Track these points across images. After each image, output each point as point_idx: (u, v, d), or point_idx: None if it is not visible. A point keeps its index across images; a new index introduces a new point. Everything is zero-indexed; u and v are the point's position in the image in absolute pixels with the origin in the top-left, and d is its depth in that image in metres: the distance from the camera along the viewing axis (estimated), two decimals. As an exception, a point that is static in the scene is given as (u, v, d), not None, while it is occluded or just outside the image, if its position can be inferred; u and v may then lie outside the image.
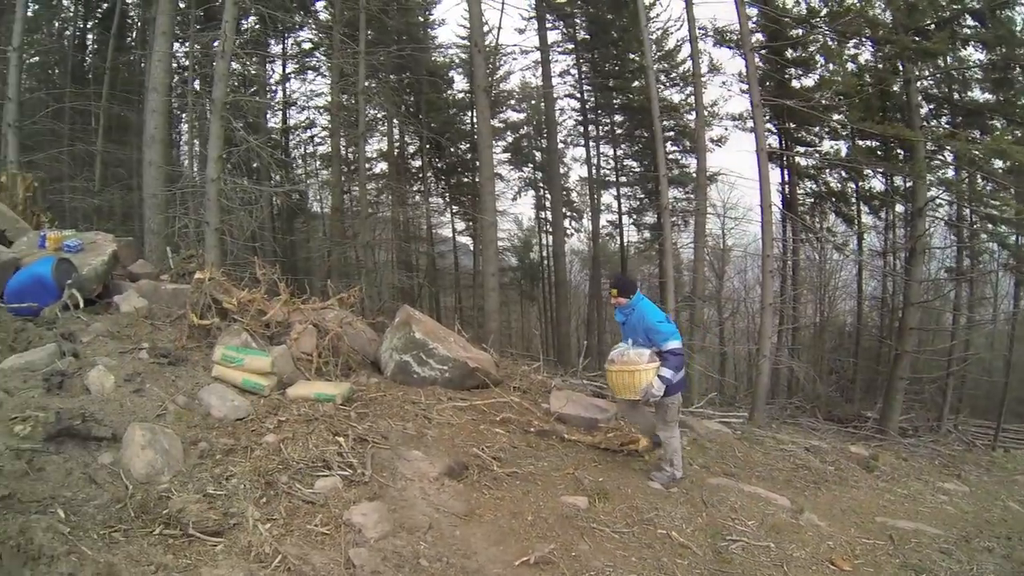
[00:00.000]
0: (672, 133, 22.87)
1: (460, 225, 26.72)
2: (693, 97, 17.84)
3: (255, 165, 15.04)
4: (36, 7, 19.65)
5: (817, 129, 20.29)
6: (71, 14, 22.27)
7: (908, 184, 17.33)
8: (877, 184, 19.92)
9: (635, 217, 26.10)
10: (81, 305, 6.85)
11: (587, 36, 23.40)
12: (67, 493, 4.16)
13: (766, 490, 6.37)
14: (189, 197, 11.46)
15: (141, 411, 5.32)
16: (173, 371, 6.18)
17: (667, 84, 22.77)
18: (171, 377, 6.06)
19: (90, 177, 16.85)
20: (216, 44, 11.62)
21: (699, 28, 15.82)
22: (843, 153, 19.75)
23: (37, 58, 20.92)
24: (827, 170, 20.84)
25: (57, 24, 22.28)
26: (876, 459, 8.50)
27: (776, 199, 16.16)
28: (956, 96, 16.28)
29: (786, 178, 21.40)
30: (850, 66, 17.20)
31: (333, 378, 7.28)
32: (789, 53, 18.31)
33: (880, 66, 16.73)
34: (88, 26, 22.65)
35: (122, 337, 6.52)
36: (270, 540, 4.19)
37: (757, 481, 6.78)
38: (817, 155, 20.94)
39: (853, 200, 20.90)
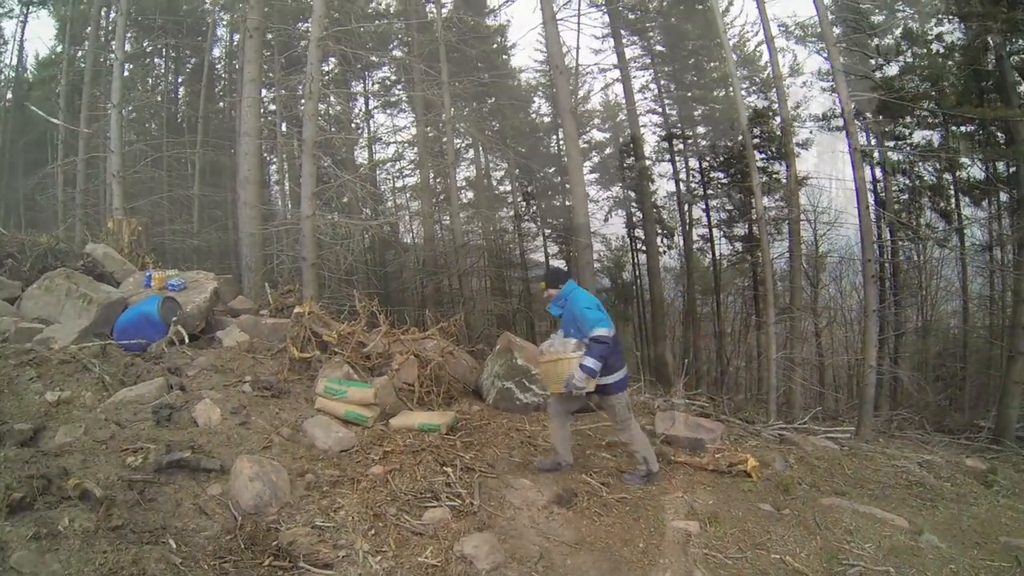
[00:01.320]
0: (758, 140, 22.30)
1: (553, 248, 26.74)
2: (776, 102, 17.31)
3: (345, 200, 15.58)
4: (131, 67, 21.19)
5: (908, 120, 19.28)
6: (163, 71, 23.99)
7: (1012, 169, 16.14)
8: (977, 173, 18.63)
9: (725, 229, 25.54)
10: (186, 340, 7.18)
11: (663, 49, 23.24)
12: (178, 523, 4.29)
13: (881, 510, 5.92)
14: (284, 234, 11.92)
15: (247, 443, 5.46)
16: (276, 403, 6.34)
17: (749, 90, 22.28)
18: (275, 409, 6.22)
19: (189, 219, 17.91)
20: (301, 87, 12.12)
21: (778, 26, 15.29)
22: (936, 143, 18.64)
23: (134, 114, 22.57)
24: (920, 163, 19.70)
25: (151, 81, 24.05)
26: (995, 473, 7.74)
27: (869, 198, 15.31)
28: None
29: (877, 175, 20.37)
30: (935, 47, 16.30)
31: (436, 407, 7.30)
32: (873, 42, 17.53)
33: (969, 45, 15.75)
34: (179, 80, 24.34)
35: (226, 371, 6.76)
36: (380, 572, 4.17)
37: (870, 500, 6.32)
38: (908, 147, 19.81)
39: (951, 192, 19.64)
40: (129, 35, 19.47)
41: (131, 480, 4.46)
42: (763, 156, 22.76)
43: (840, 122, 15.41)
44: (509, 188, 25.89)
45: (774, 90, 17.14)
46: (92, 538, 3.78)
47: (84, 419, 5.16)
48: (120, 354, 6.54)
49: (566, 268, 7.50)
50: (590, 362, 5.38)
